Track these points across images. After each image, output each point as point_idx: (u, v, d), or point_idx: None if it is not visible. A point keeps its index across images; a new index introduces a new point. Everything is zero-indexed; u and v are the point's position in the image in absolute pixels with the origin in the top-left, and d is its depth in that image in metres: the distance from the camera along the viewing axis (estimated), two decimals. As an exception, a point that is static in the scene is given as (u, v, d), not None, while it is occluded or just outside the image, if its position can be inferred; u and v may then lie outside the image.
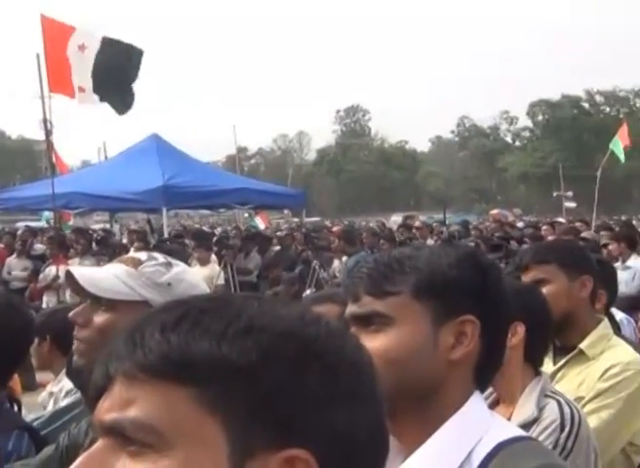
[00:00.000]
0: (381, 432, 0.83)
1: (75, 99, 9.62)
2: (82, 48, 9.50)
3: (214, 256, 11.24)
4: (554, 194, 49.10)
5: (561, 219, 20.01)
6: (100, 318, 1.83)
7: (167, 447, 0.73)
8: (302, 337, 0.78)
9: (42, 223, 20.58)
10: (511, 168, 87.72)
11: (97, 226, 21.68)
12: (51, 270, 10.89)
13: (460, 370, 1.36)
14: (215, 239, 13.98)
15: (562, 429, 2.09)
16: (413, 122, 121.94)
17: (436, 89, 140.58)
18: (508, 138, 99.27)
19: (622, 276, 7.99)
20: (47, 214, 17.28)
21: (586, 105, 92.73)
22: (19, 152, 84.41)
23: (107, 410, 0.76)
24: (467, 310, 1.36)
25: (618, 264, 8.26)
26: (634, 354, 2.71)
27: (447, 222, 17.54)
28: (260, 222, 22.83)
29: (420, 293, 1.36)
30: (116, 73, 9.53)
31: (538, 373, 2.26)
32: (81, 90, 9.50)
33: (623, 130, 13.96)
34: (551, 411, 2.13)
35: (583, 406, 2.50)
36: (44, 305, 10.38)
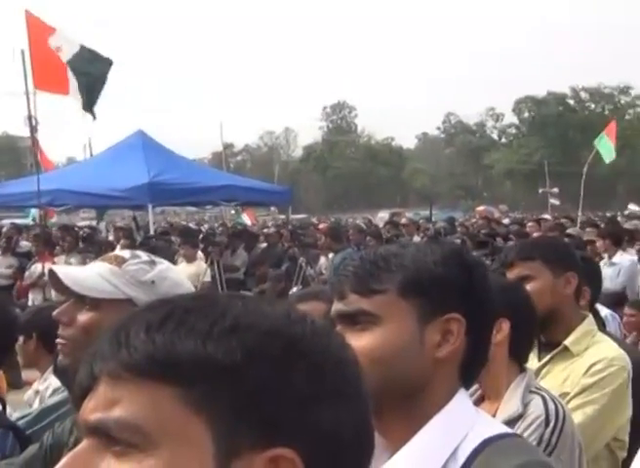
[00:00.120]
0: (367, 430, 0.83)
1: (64, 95, 9.58)
2: (58, 50, 9.48)
3: (200, 254, 11.22)
4: (540, 191, 49.32)
5: (547, 216, 20.10)
6: (84, 316, 1.82)
7: (152, 446, 0.73)
8: (288, 336, 0.78)
9: (27, 220, 20.48)
10: (497, 164, 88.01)
11: (82, 223, 21.60)
12: (36, 268, 10.84)
13: (445, 368, 1.37)
14: (201, 236, 13.96)
15: (547, 425, 2.10)
16: (399, 119, 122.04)
17: (422, 85, 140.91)
18: (494, 135, 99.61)
19: (608, 272, 8.04)
20: (34, 211, 17.21)
21: (572, 102, 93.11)
22: (3, 149, 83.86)
23: (92, 410, 0.76)
24: (453, 308, 1.36)
25: (604, 261, 8.31)
26: (618, 350, 2.72)
27: (433, 219, 17.59)
28: (246, 219, 22.83)
29: (406, 292, 1.36)
30: (85, 80, 9.56)
31: (522, 370, 2.27)
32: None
33: (611, 128, 13.82)
34: (536, 407, 2.14)
35: (568, 401, 2.52)
36: (30, 303, 10.34)
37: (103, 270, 1.85)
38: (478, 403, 2.18)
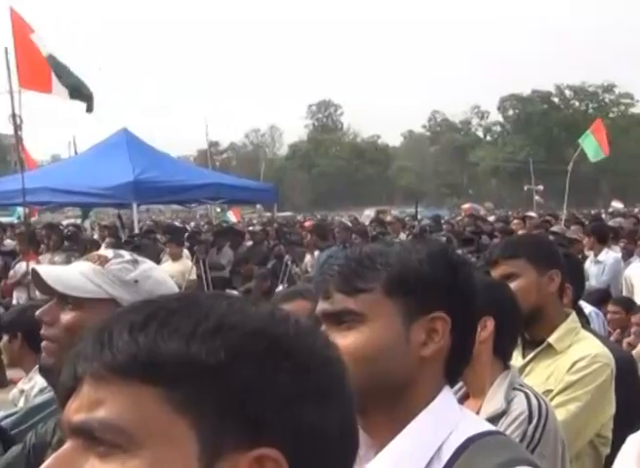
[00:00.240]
0: (352, 429, 0.83)
1: (48, 93, 9.51)
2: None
3: (187, 252, 11.20)
4: (525, 188, 49.52)
5: (531, 214, 20.18)
6: (66, 316, 1.82)
7: (136, 447, 0.72)
8: (272, 336, 0.78)
9: (12, 219, 20.37)
10: (482, 162, 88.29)
11: (67, 222, 21.50)
12: (21, 266, 10.78)
13: (430, 367, 1.37)
14: (187, 234, 13.93)
15: (530, 421, 2.12)
16: (385, 116, 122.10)
17: (408, 83, 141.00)
18: (479, 133, 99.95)
19: (593, 270, 8.07)
20: (19, 209, 17.12)
21: (556, 100, 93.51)
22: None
23: (76, 411, 0.76)
24: (438, 307, 1.37)
25: (589, 258, 8.34)
26: (602, 347, 2.74)
27: (419, 217, 17.62)
28: (232, 217, 22.80)
29: (391, 290, 1.36)
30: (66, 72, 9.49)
31: (506, 367, 2.28)
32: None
33: (599, 129, 13.74)
34: (519, 404, 2.15)
35: (552, 398, 2.53)
36: (14, 302, 10.29)
37: (86, 269, 1.85)
38: (462, 400, 2.19)
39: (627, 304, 5.74)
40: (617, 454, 2.18)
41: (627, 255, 8.24)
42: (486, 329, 2.23)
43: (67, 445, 0.76)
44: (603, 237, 8.43)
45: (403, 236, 13.59)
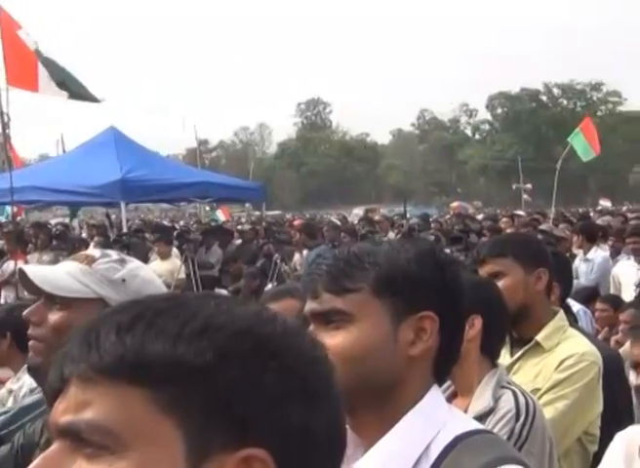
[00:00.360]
0: (339, 428, 0.84)
1: (37, 91, 9.42)
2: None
3: (176, 251, 11.17)
4: (514, 186, 49.60)
5: (520, 212, 20.21)
6: (54, 316, 1.82)
7: (123, 448, 0.73)
8: (259, 336, 0.78)
9: (1, 218, 20.27)
10: (471, 160, 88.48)
11: (55, 221, 21.42)
12: (9, 265, 10.71)
13: (419, 366, 1.37)
14: (175, 233, 13.89)
15: (517, 419, 2.12)
16: (374, 114, 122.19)
17: (397, 81, 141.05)
18: (468, 131, 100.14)
19: (582, 269, 8.10)
20: (8, 208, 17.04)
21: (544, 98, 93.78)
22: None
23: (63, 413, 0.76)
24: (426, 306, 1.37)
25: (579, 257, 8.36)
26: (589, 345, 2.75)
27: (407, 215, 17.61)
28: (221, 216, 22.77)
29: (379, 290, 1.36)
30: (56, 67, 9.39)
31: (494, 365, 2.29)
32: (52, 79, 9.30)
33: (588, 127, 13.71)
34: (507, 402, 2.16)
35: (540, 397, 2.54)
36: (2, 301, 10.23)
37: (73, 269, 1.85)
38: (451, 399, 2.20)
39: (615, 302, 5.76)
40: (604, 452, 2.19)
41: (615, 254, 8.26)
42: (474, 327, 2.24)
43: (55, 446, 0.76)
44: (592, 235, 8.45)
45: (392, 235, 13.56)
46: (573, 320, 3.47)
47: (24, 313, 1.85)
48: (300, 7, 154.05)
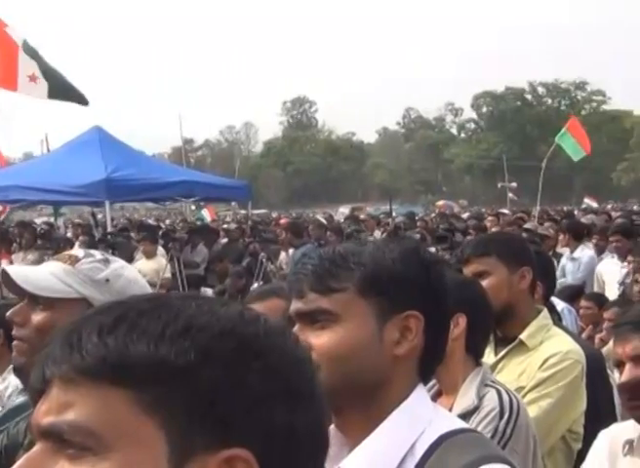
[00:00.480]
0: (321, 428, 0.84)
1: (16, 90, 9.32)
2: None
3: (162, 250, 11.14)
4: (499, 185, 49.75)
5: (505, 210, 20.28)
6: (37, 317, 1.81)
7: (105, 449, 0.73)
8: (242, 336, 0.78)
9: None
10: (457, 159, 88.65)
11: (39, 220, 21.31)
12: (-7, 265, 10.68)
13: (404, 365, 1.38)
14: (161, 232, 13.86)
15: (501, 417, 2.14)
16: (360, 113, 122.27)
17: (382, 80, 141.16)
18: (453, 130, 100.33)
19: (569, 267, 8.13)
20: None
21: (529, 97, 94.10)
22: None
23: (45, 414, 0.75)
24: (411, 305, 1.38)
25: (565, 255, 8.39)
26: (573, 344, 2.76)
27: (393, 214, 17.63)
28: (206, 215, 22.71)
29: (365, 290, 1.37)
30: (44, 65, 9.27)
31: (478, 364, 2.30)
32: (32, 79, 9.19)
33: (575, 126, 13.70)
34: (491, 400, 2.17)
35: (524, 395, 2.55)
36: (-14, 300, 10.17)
37: (57, 269, 1.85)
38: (435, 397, 2.21)
39: (600, 300, 5.78)
40: (588, 449, 2.21)
41: (599, 252, 8.30)
42: (458, 326, 2.25)
43: (37, 447, 0.76)
44: (579, 234, 8.47)
45: (377, 233, 13.60)
46: (557, 318, 3.49)
47: (8, 314, 1.85)
48: (286, 6, 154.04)
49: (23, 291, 1.82)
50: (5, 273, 1.83)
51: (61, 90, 9.28)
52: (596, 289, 7.24)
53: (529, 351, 2.72)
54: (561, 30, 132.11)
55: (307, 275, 1.40)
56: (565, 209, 31.17)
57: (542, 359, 2.67)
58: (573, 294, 6.13)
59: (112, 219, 14.93)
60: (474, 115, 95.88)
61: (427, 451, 1.31)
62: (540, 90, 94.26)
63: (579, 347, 2.76)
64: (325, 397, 1.33)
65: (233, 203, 27.58)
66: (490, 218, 14.03)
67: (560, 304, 4.61)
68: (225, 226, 18.02)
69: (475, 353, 2.31)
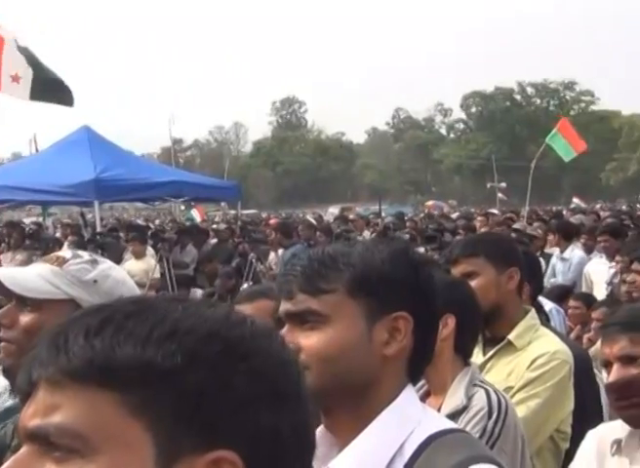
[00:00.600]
0: (307, 429, 0.84)
1: (1, 91, 9.23)
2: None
3: (151, 250, 11.11)
4: (488, 185, 49.92)
5: (494, 210, 20.32)
6: (25, 318, 1.81)
7: (92, 452, 0.73)
8: (228, 339, 0.78)
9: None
10: (446, 159, 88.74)
11: (28, 220, 21.25)
12: (-19, 265, 10.62)
13: (393, 365, 1.39)
14: (150, 232, 13.82)
15: (489, 416, 2.14)
16: (349, 113, 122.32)
17: (371, 80, 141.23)
18: (443, 131, 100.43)
19: (559, 267, 8.14)
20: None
21: (518, 97, 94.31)
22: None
23: (31, 416, 0.75)
24: (401, 306, 1.38)
25: (555, 255, 8.40)
26: (560, 344, 2.77)
27: (382, 214, 17.66)
28: (196, 215, 22.67)
29: (354, 291, 1.37)
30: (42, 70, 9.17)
31: (467, 364, 2.31)
32: (14, 79, 9.11)
33: (566, 127, 13.73)
34: (479, 400, 2.18)
35: (512, 395, 2.56)
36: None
37: (44, 271, 1.85)
38: (424, 398, 2.21)
39: (588, 300, 5.80)
40: (575, 449, 2.22)
41: (587, 252, 8.31)
42: (447, 326, 2.25)
43: (24, 449, 0.76)
44: (569, 234, 8.47)
45: (367, 234, 13.61)
46: (544, 319, 3.50)
47: None
48: (275, 6, 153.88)
49: (11, 292, 1.81)
50: None
51: (46, 90, 9.20)
52: (584, 288, 7.25)
53: (517, 351, 2.72)
54: (549, 30, 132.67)
55: (297, 276, 1.41)
56: (554, 209, 31.28)
57: (531, 359, 2.67)
58: (561, 295, 6.14)
59: (101, 219, 14.87)
60: (463, 115, 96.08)
61: (416, 452, 1.31)
62: (530, 90, 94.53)
63: (566, 347, 2.76)
64: (314, 397, 1.33)
65: (223, 203, 27.54)
66: (479, 219, 14.05)
67: (548, 304, 4.63)
68: (215, 226, 18.00)
69: (464, 353, 2.32)
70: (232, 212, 24.07)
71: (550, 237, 8.96)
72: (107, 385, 0.74)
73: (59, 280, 1.83)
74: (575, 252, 8.22)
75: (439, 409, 2.13)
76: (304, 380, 0.85)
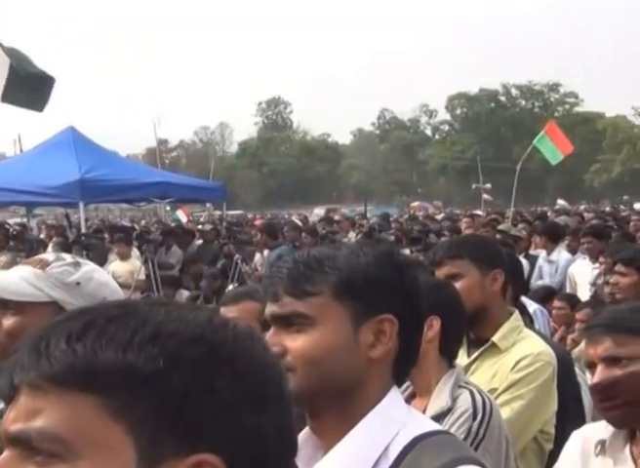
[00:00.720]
0: (290, 432, 0.85)
1: None
2: None
3: (137, 251, 11.08)
4: (473, 186, 50.03)
5: (479, 212, 20.37)
6: (8, 321, 1.81)
7: (74, 456, 0.73)
8: (210, 342, 0.79)
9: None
10: (431, 160, 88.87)
11: (12, 220, 21.13)
12: (-36, 267, 10.54)
13: (379, 368, 1.39)
14: (135, 233, 13.78)
15: (474, 417, 2.15)
16: (335, 114, 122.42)
17: (357, 81, 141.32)
18: (428, 132, 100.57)
19: (546, 269, 8.15)
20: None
21: (503, 99, 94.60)
22: None
23: (13, 421, 0.75)
24: (386, 309, 1.39)
25: (542, 256, 8.40)
26: (544, 345, 2.78)
27: (368, 215, 17.67)
28: (181, 216, 22.63)
29: (340, 294, 1.38)
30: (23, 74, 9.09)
31: (452, 366, 2.31)
32: None
33: (554, 130, 13.78)
34: (464, 401, 2.18)
35: (497, 397, 2.56)
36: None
37: (27, 274, 1.84)
38: (409, 399, 2.22)
39: (572, 301, 5.82)
40: (557, 449, 2.23)
41: (571, 253, 8.34)
42: (432, 328, 2.26)
43: (5, 454, 0.76)
44: (555, 236, 8.47)
45: (352, 235, 13.61)
46: (528, 320, 3.51)
47: None
48: (261, 7, 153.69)
49: None
50: None
51: (22, 91, 9.13)
52: (568, 290, 7.27)
53: (501, 353, 2.73)
54: (534, 32, 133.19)
55: (282, 279, 1.41)
56: (539, 209, 31.38)
57: (514, 361, 2.68)
58: (545, 296, 6.17)
59: (86, 220, 14.81)
60: (448, 117, 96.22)
61: (401, 454, 1.32)
62: (514, 91, 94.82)
63: (550, 349, 2.78)
64: (300, 399, 1.34)
65: (208, 204, 27.50)
66: (465, 220, 14.07)
67: (533, 305, 4.64)
68: (200, 227, 17.96)
69: (449, 355, 2.32)
70: (218, 212, 24.03)
71: (537, 239, 8.96)
72: (89, 390, 0.74)
73: (41, 282, 1.83)
74: (562, 254, 8.21)
75: (424, 411, 2.14)
76: (287, 383, 0.86)
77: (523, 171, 14.02)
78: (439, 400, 2.21)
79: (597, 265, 6.73)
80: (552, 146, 13.32)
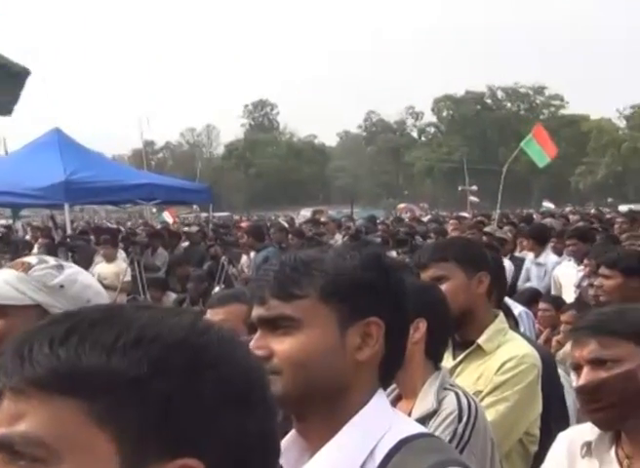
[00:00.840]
0: (273, 435, 0.85)
1: None
2: None
3: (123, 253, 11.04)
4: (459, 188, 50.19)
5: (465, 214, 20.43)
6: None
7: (57, 461, 0.72)
8: (194, 346, 0.78)
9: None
10: (418, 163, 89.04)
11: (-3, 223, 21.03)
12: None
13: (365, 371, 1.39)
14: (121, 235, 13.74)
15: (460, 420, 2.16)
16: (321, 116, 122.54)
17: (343, 83, 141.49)
18: (414, 134, 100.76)
19: (534, 272, 8.16)
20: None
21: (489, 101, 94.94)
22: None
23: None
24: (372, 312, 1.39)
25: (529, 259, 8.42)
26: (529, 348, 2.79)
27: (355, 217, 17.69)
28: (167, 218, 22.57)
29: (326, 296, 1.38)
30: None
31: (437, 368, 2.32)
32: None
33: (540, 133, 13.82)
34: (450, 403, 2.19)
35: (482, 399, 2.57)
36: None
37: (10, 277, 1.84)
38: (395, 402, 2.22)
39: (557, 302, 5.84)
40: (544, 451, 2.24)
41: (557, 255, 8.36)
42: (418, 330, 2.26)
43: None
44: (543, 238, 8.48)
45: (339, 237, 13.62)
46: (513, 323, 3.52)
47: None
48: (246, 7, 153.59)
49: None
50: None
51: None
52: (553, 291, 7.30)
53: (486, 355, 2.73)
54: (519, 35, 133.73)
55: (269, 281, 1.41)
56: (524, 212, 31.49)
57: (499, 363, 2.68)
58: (530, 298, 6.18)
59: (72, 222, 14.76)
60: (435, 119, 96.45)
61: (387, 456, 1.32)
62: (500, 94, 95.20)
63: (535, 351, 2.79)
64: (286, 402, 1.34)
65: (195, 206, 27.44)
66: (452, 222, 14.10)
67: (518, 308, 4.65)
68: (187, 229, 17.92)
69: (434, 357, 2.33)
70: (204, 214, 24.00)
71: (524, 242, 8.97)
72: (72, 394, 0.74)
73: (24, 286, 1.83)
74: (550, 256, 8.22)
75: (410, 413, 2.14)
76: (270, 386, 0.86)
77: (509, 173, 14.07)
78: (425, 402, 2.21)
79: (582, 267, 6.75)
80: (539, 149, 13.36)
